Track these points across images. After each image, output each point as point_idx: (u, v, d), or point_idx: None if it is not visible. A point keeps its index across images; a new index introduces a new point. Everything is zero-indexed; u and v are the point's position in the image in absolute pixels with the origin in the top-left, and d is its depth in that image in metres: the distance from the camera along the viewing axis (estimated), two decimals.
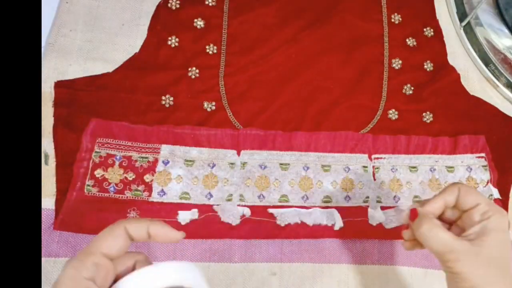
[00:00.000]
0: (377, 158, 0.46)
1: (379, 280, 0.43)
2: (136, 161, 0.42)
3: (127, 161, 0.42)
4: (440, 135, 0.48)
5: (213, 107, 0.46)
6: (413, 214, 0.31)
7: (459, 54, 0.52)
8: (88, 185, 0.41)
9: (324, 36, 0.49)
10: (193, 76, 0.46)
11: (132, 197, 0.41)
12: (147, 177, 0.42)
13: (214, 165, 0.43)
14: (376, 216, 0.44)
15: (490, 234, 0.29)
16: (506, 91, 0.51)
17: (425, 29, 0.52)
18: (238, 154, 0.44)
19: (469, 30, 0.52)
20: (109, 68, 0.45)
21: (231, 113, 0.46)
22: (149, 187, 0.42)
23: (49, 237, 0.39)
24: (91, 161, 0.41)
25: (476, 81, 0.52)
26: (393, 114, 0.48)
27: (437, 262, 0.44)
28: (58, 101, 0.43)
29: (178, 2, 0.48)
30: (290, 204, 0.43)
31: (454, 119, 0.49)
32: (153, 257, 0.41)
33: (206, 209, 0.42)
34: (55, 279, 0.38)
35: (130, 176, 0.42)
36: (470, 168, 0.47)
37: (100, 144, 0.42)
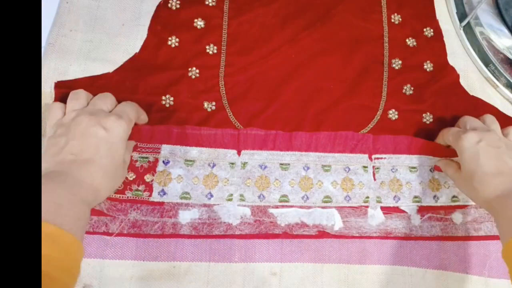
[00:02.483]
0: (378, 158, 0.46)
1: (379, 280, 0.43)
2: (136, 161, 0.42)
3: None
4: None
5: (213, 107, 0.46)
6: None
7: (459, 54, 0.52)
8: None
9: (324, 36, 0.49)
10: (193, 76, 0.46)
11: (133, 197, 0.41)
12: (148, 177, 0.42)
13: (214, 165, 0.43)
14: (376, 216, 0.44)
15: (460, 155, 0.42)
16: (506, 91, 0.51)
17: (425, 29, 0.52)
18: (239, 154, 0.44)
19: (469, 30, 0.52)
20: (109, 68, 0.45)
21: (231, 113, 0.46)
22: (149, 187, 0.42)
23: None
24: None
25: (476, 81, 0.52)
26: (393, 114, 0.48)
27: (437, 262, 0.44)
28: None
29: (178, 2, 0.48)
30: (291, 204, 0.43)
31: (454, 119, 0.49)
32: (153, 256, 0.41)
33: (206, 209, 0.42)
34: None
35: (131, 176, 0.42)
36: None
37: None
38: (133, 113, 0.40)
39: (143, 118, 0.43)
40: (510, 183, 0.38)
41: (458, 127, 0.45)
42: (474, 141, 0.40)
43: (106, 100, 0.40)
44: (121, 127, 0.37)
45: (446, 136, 0.44)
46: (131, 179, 0.42)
